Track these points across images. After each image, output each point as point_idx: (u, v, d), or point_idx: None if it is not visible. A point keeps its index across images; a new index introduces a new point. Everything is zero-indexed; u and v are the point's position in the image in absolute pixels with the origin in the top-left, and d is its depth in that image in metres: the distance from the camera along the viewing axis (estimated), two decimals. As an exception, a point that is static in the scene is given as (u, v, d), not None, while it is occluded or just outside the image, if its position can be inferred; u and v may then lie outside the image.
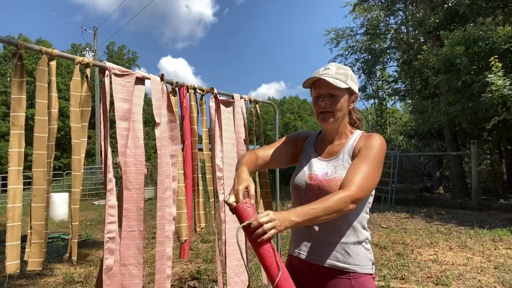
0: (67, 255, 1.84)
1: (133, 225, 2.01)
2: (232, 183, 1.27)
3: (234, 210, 1.15)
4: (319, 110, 1.38)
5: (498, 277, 3.95)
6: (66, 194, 10.07)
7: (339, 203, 1.17)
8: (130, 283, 1.97)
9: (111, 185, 1.94)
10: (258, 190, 3.10)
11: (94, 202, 12.60)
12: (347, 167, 1.33)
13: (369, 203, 1.39)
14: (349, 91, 1.38)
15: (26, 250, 1.72)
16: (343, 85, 1.33)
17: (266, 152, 1.48)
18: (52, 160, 1.82)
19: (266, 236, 1.07)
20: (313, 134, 1.57)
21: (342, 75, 1.36)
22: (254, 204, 1.17)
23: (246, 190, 1.20)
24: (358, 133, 1.44)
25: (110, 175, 1.95)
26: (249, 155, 1.40)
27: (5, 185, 14.33)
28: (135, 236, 2.01)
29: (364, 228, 1.37)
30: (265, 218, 1.07)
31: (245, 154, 1.43)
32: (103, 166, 1.98)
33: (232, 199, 1.16)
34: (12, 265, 1.64)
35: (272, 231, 1.08)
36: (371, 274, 1.34)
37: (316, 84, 1.38)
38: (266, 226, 1.07)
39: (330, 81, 1.32)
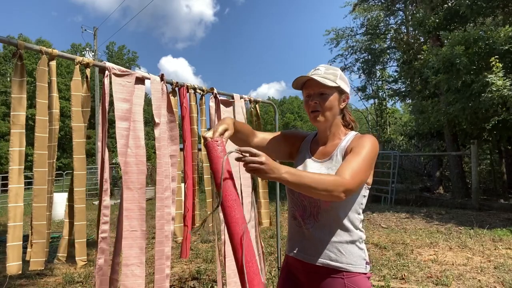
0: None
1: (135, 225, 2.01)
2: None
3: (206, 145, 1.18)
4: (310, 110, 1.41)
5: (498, 277, 3.95)
6: (66, 194, 10.06)
7: (332, 183, 1.17)
8: (132, 283, 1.97)
9: (106, 185, 1.94)
10: (260, 190, 3.10)
11: (94, 202, 12.60)
12: None
13: (361, 204, 1.39)
14: (339, 90, 1.41)
15: (28, 250, 1.72)
16: (331, 84, 1.37)
17: (265, 136, 1.52)
18: (54, 160, 1.82)
19: (249, 166, 1.10)
20: (310, 135, 1.58)
21: (331, 75, 1.39)
22: (224, 143, 1.20)
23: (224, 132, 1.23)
24: (352, 134, 1.45)
25: (106, 175, 1.94)
26: (246, 124, 1.44)
27: (5, 185, 14.34)
28: (137, 236, 2.02)
29: (357, 228, 1.37)
30: (257, 157, 1.11)
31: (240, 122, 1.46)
32: (99, 166, 1.98)
33: (209, 134, 1.19)
34: (13, 266, 1.62)
35: (256, 167, 1.10)
36: (365, 274, 1.34)
37: (306, 85, 1.42)
38: (255, 159, 1.10)
39: (319, 80, 1.35)
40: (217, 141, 1.16)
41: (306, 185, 1.15)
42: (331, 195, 1.18)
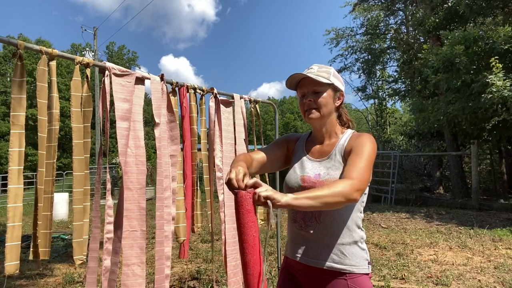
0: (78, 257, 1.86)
1: (135, 225, 2.02)
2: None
3: (236, 194, 1.12)
4: (305, 108, 1.41)
5: (498, 277, 3.95)
6: (66, 194, 10.07)
7: (345, 187, 1.15)
8: (133, 283, 1.97)
9: (109, 185, 1.96)
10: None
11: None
12: (339, 167, 1.34)
13: (362, 202, 1.39)
14: (333, 87, 1.40)
15: (31, 249, 1.73)
16: (325, 81, 1.37)
17: (261, 155, 1.48)
18: (54, 160, 1.82)
19: (261, 199, 1.08)
20: (304, 135, 1.57)
21: (324, 73, 1.40)
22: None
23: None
24: (349, 132, 1.44)
25: (108, 175, 1.97)
26: (244, 156, 1.39)
27: (5, 185, 14.33)
28: (138, 236, 2.02)
29: (359, 227, 1.37)
30: (260, 188, 1.09)
31: (241, 154, 1.42)
32: (97, 164, 1.99)
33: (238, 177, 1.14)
34: (11, 265, 1.62)
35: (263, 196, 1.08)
36: (367, 274, 1.34)
37: (300, 84, 1.42)
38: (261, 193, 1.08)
39: (312, 77, 1.35)
40: (250, 193, 1.11)
41: (319, 198, 1.11)
42: (347, 199, 1.15)
